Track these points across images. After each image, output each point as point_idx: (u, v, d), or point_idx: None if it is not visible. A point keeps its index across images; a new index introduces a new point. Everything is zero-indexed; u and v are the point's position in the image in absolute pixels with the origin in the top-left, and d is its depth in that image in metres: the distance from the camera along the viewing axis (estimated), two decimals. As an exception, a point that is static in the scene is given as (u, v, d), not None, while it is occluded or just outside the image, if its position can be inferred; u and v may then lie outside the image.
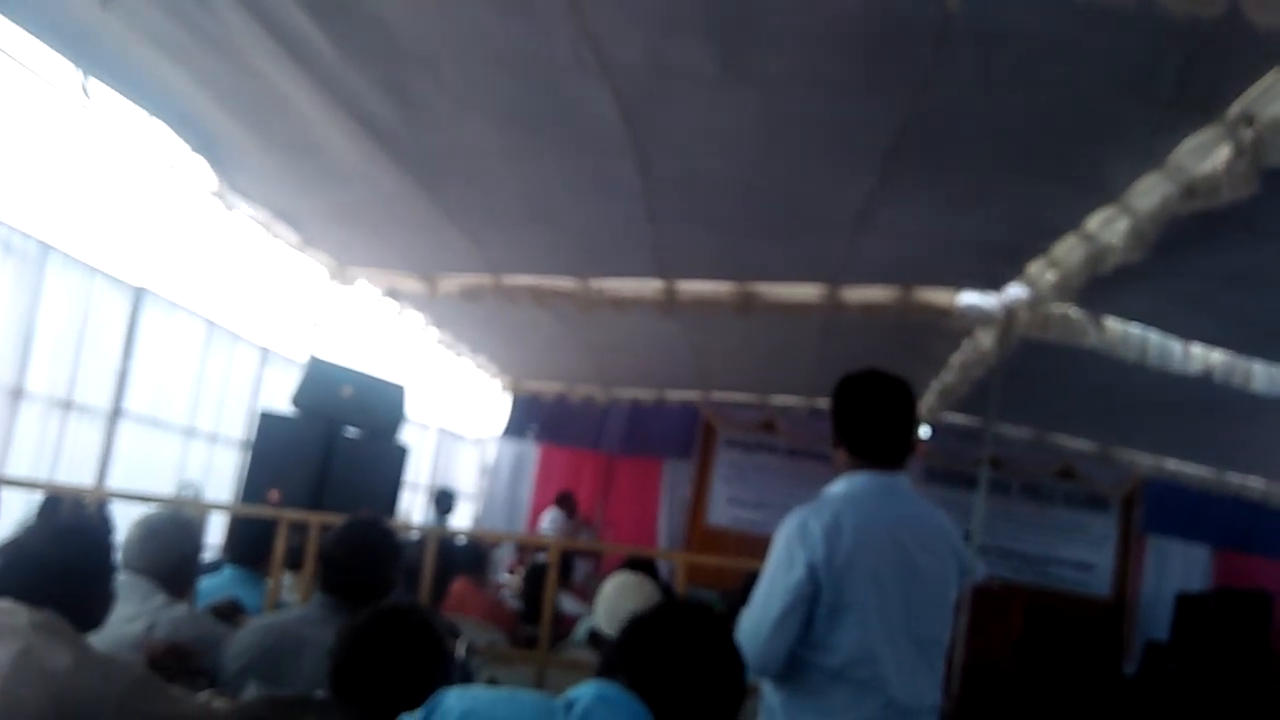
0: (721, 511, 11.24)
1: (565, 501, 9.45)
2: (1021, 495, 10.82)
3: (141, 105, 4.51)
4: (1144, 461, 10.12)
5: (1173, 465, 10.03)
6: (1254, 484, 9.84)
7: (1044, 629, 9.89)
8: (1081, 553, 10.85)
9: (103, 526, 3.93)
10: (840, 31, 3.25)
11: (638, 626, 1.67)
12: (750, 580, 3.64)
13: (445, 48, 3.72)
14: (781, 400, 10.66)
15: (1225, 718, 8.24)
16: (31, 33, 3.89)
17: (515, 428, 11.27)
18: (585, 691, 1.57)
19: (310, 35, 3.59)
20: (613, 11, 3.28)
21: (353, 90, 4.04)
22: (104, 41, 3.95)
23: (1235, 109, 3.33)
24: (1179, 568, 10.63)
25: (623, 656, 1.63)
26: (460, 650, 2.54)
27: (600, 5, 3.22)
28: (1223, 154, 3.48)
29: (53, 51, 3.99)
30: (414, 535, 4.70)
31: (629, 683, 1.57)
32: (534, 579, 5.67)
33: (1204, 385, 6.27)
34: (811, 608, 2.30)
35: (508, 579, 7.77)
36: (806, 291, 6.50)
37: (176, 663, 2.52)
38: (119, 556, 2.87)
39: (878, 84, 3.61)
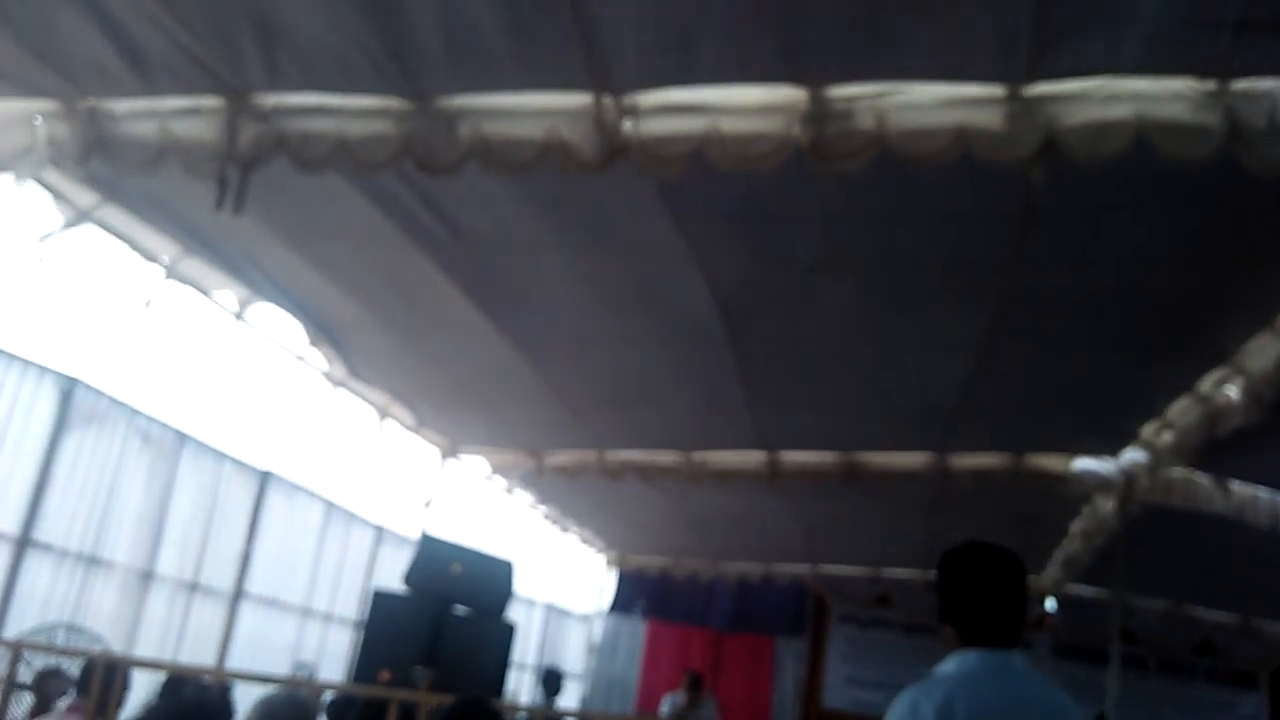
0: (839, 693, 10.74)
1: (695, 682, 9.16)
2: (1159, 672, 10.08)
3: (265, 296, 4.86)
4: (1292, 634, 9.39)
5: (1324, 635, 9.28)
6: None
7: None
8: (1232, 734, 9.99)
9: (223, 706, 4.02)
10: (927, 213, 3.36)
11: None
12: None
13: (552, 235, 3.95)
14: (895, 573, 10.33)
15: None
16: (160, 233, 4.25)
17: (622, 604, 11.14)
18: None
19: (425, 220, 3.85)
20: (709, 223, 3.44)
21: (465, 272, 4.30)
22: (230, 238, 4.30)
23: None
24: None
25: None
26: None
27: (693, 209, 3.40)
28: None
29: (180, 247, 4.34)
30: (522, 716, 4.65)
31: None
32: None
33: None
34: (925, 793, 2.20)
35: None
36: (913, 460, 6.42)
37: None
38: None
39: (968, 264, 3.68)
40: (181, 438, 5.54)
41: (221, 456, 5.92)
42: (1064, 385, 5.01)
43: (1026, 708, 2.29)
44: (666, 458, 6.86)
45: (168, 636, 5.45)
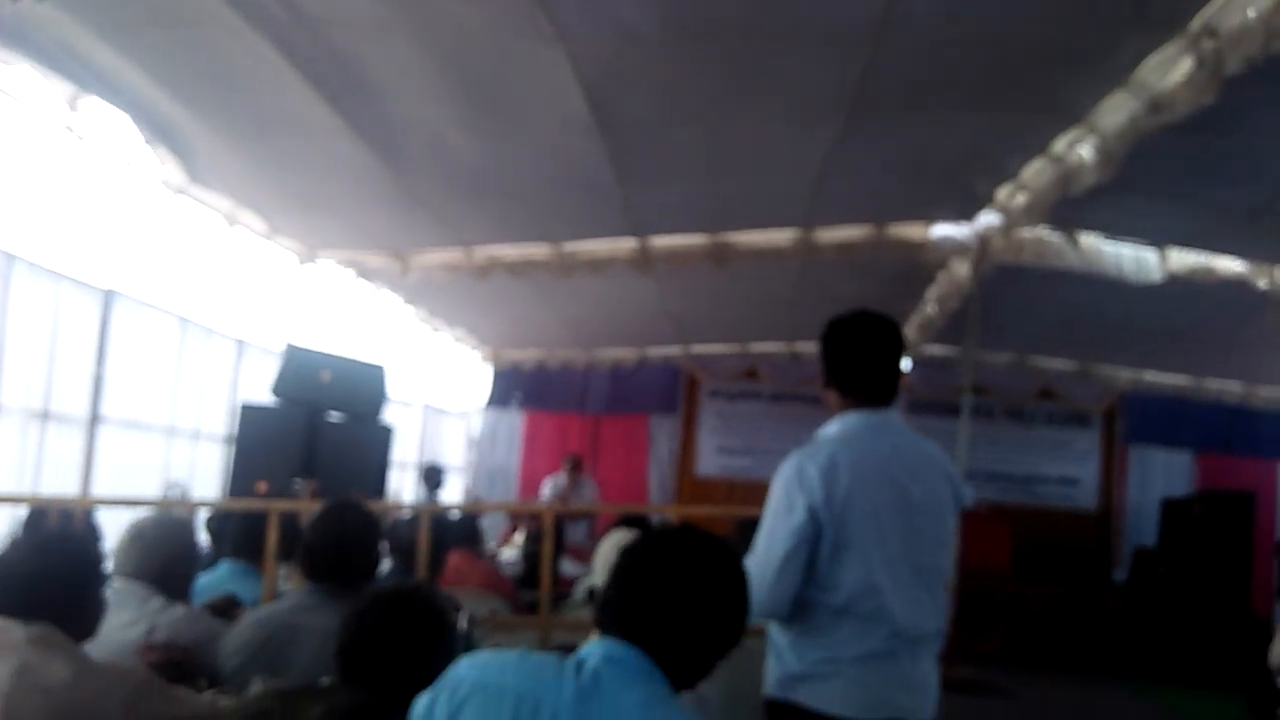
0: (710, 462, 11.31)
1: (575, 464, 9.44)
2: (1005, 418, 10.94)
3: (94, 92, 4.39)
4: (1123, 375, 10.23)
5: (1151, 376, 10.14)
6: (1232, 387, 9.98)
7: (1034, 546, 10.08)
8: (1066, 469, 11.00)
9: (90, 535, 3.90)
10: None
11: (621, 573, 1.63)
12: (744, 527, 3.66)
13: (398, 18, 3.64)
14: (762, 347, 10.69)
15: (1214, 615, 8.43)
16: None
17: (499, 398, 11.26)
18: (593, 651, 1.56)
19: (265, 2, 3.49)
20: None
21: (309, 59, 3.94)
22: (50, 31, 3.84)
23: (1197, 22, 3.33)
24: (1162, 475, 10.80)
25: (614, 609, 1.61)
26: (463, 623, 2.54)
27: None
28: (1184, 67, 3.48)
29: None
30: (406, 514, 4.69)
31: (625, 634, 1.56)
32: (533, 545, 5.69)
33: (1178, 293, 6.31)
34: (814, 549, 2.32)
35: (503, 549, 7.79)
36: (780, 236, 6.48)
37: (177, 664, 2.51)
38: (111, 564, 2.84)
39: (835, 21, 3.57)
40: (10, 259, 5.11)
41: (58, 277, 5.51)
42: (922, 152, 5.05)
43: (902, 457, 2.42)
44: (536, 251, 6.74)
45: (23, 470, 5.21)
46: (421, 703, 1.58)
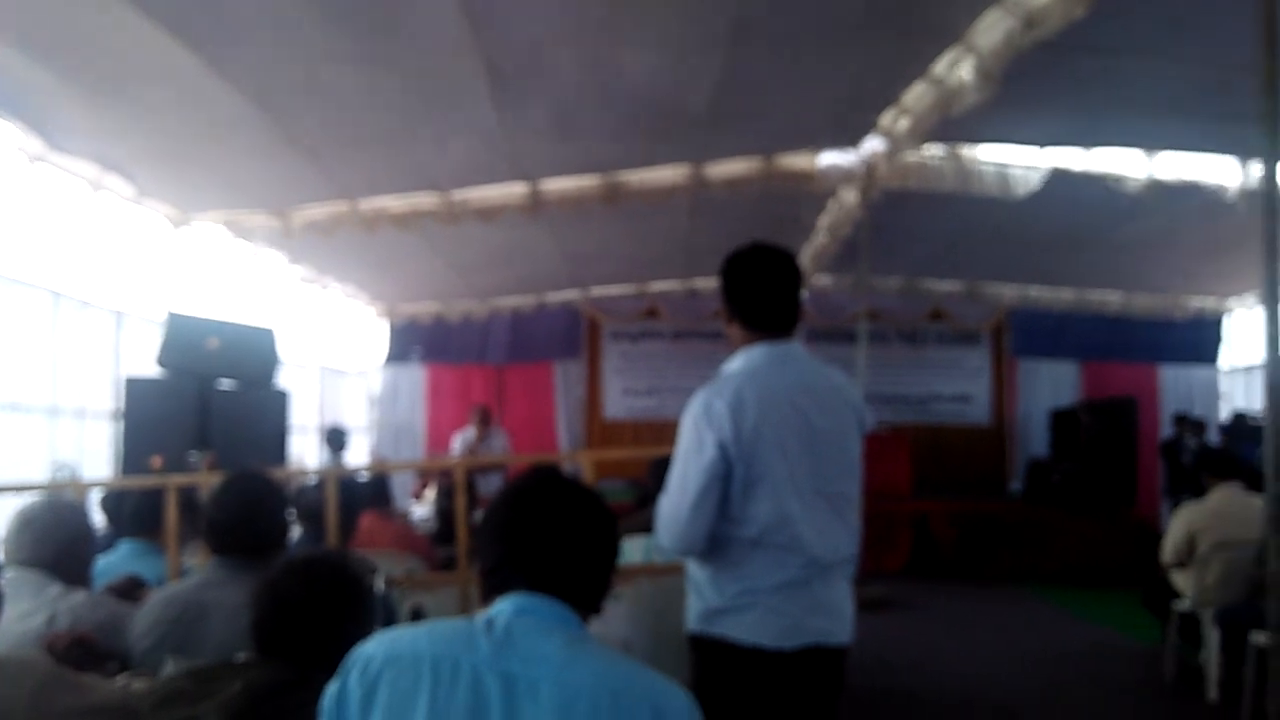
0: (617, 404, 11.37)
1: (484, 416, 9.34)
2: (899, 341, 11.25)
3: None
4: (1009, 293, 10.60)
5: (1035, 292, 10.53)
6: (1112, 298, 10.42)
7: (933, 463, 10.47)
8: (959, 386, 11.40)
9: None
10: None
11: (501, 531, 1.63)
12: (656, 466, 3.68)
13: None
14: (660, 286, 10.72)
15: (1105, 519, 8.90)
16: None
17: (398, 354, 11.08)
18: (501, 608, 1.55)
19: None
20: None
21: (164, 4, 3.72)
22: None
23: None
24: (1049, 386, 11.29)
25: (510, 565, 1.60)
26: (379, 584, 2.50)
27: None
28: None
29: None
30: (312, 479, 4.58)
31: (528, 585, 1.56)
32: (445, 500, 5.64)
33: (1055, 201, 6.50)
34: (726, 484, 2.33)
35: (415, 505, 7.71)
36: (670, 174, 6.46)
37: (83, 651, 2.41)
38: (1, 553, 2.71)
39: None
40: None
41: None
42: (807, 80, 5.07)
43: (805, 389, 2.44)
44: (425, 200, 6.57)
45: (-107, 461, 4.93)
46: (330, 690, 1.53)
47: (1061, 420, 10.41)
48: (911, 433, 10.45)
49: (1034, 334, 11.15)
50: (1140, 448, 9.81)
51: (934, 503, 9.21)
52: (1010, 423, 11.39)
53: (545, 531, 1.59)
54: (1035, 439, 11.03)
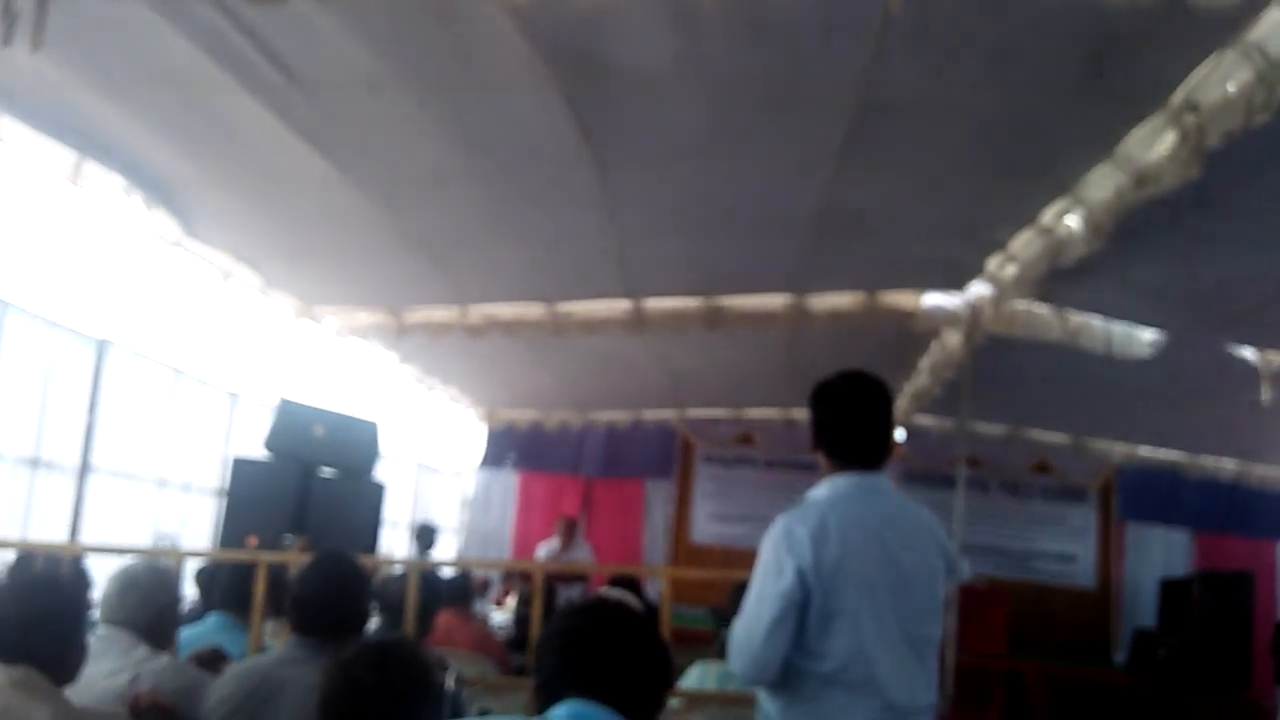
0: (705, 529, 11.22)
1: (569, 527, 9.36)
2: (1000, 492, 10.89)
3: (92, 156, 4.46)
4: (1117, 450, 10.22)
5: (1145, 452, 10.13)
6: (1227, 465, 9.96)
7: (1032, 623, 9.96)
8: (1063, 545, 10.91)
9: (75, 580, 3.87)
10: (783, 20, 3.25)
11: (560, 645, 1.74)
12: (737, 590, 3.63)
13: (394, 73, 3.71)
14: (757, 413, 10.68)
15: (1215, 698, 8.31)
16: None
17: (493, 458, 11.21)
18: (558, 713, 1.60)
19: (254, 61, 3.56)
20: (553, 13, 3.26)
21: (305, 118, 4.02)
22: (43, 89, 3.90)
23: (1179, 96, 3.40)
24: (1160, 553, 10.71)
25: (567, 676, 1.70)
26: (450, 682, 2.51)
27: (541, 9, 3.20)
28: (1168, 141, 3.54)
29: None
30: (396, 570, 4.65)
31: (583, 694, 1.63)
32: (524, 607, 5.64)
33: (1167, 370, 6.34)
34: (803, 613, 2.29)
35: (495, 610, 7.70)
36: (773, 301, 6.54)
37: (161, 716, 2.48)
38: (97, 611, 2.82)
39: (824, 79, 3.63)
40: (4, 306, 5.14)
41: (52, 325, 5.54)
42: (913, 220, 5.11)
43: (894, 523, 2.40)
44: (531, 310, 6.78)
45: (11, 516, 5.19)
46: None
47: (1172, 591, 9.83)
48: (1010, 589, 10.00)
49: (1144, 497, 10.64)
50: (1255, 627, 9.20)
51: (1030, 664, 8.76)
52: (1116, 588, 10.80)
53: (599, 642, 1.66)
54: (1142, 609, 10.40)
